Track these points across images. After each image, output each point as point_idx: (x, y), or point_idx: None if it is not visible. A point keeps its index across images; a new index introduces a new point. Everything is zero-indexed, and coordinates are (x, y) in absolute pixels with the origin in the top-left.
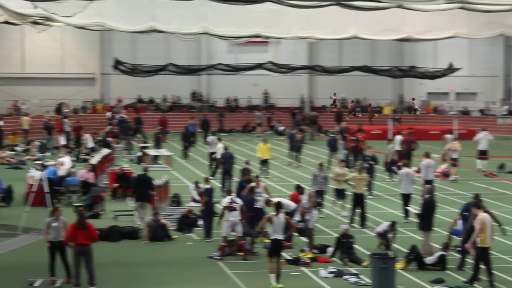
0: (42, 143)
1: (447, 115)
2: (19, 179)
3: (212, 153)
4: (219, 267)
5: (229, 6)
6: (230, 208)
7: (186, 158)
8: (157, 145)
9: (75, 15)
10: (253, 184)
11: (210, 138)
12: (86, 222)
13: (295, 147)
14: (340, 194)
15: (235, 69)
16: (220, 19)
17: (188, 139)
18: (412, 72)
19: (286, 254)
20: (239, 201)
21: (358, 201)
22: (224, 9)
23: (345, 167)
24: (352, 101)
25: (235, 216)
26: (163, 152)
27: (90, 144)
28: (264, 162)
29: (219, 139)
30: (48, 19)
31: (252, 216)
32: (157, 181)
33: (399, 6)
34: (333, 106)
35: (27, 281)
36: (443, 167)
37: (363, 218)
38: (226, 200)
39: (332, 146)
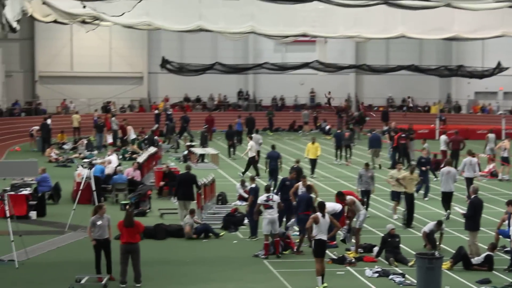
0: (89, 141)
1: (495, 115)
2: (66, 177)
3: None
4: (265, 265)
5: (276, 6)
6: (266, 206)
7: (231, 156)
8: (204, 144)
9: (123, 15)
10: (299, 183)
11: (254, 136)
12: (133, 220)
13: (344, 145)
14: (395, 196)
15: (282, 68)
16: (267, 18)
17: (232, 138)
18: (460, 72)
19: (331, 253)
20: (276, 198)
21: (408, 201)
22: (271, 8)
23: (393, 168)
24: (346, 100)
25: (272, 214)
26: (209, 150)
27: (132, 135)
28: (312, 162)
29: (251, 138)
30: (96, 18)
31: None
32: (203, 180)
33: (448, 5)
34: (327, 104)
35: (75, 278)
36: (490, 167)
37: (410, 218)
38: (262, 198)
39: (374, 144)
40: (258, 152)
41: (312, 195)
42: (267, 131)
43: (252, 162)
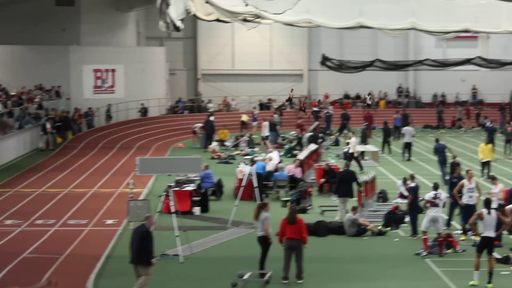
0: (250, 139)
1: None
2: (228, 173)
3: (407, 143)
4: (426, 264)
5: (437, 1)
6: (432, 203)
7: (390, 153)
8: (364, 141)
9: (284, 12)
10: (464, 180)
11: (405, 129)
12: (296, 217)
13: (507, 140)
14: None
15: (443, 64)
16: (428, 14)
17: (389, 134)
18: None
19: (495, 253)
20: (443, 197)
21: None
22: (432, 4)
23: None
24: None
25: (436, 212)
26: (369, 148)
27: (266, 132)
28: (485, 164)
29: (353, 133)
30: (258, 16)
31: None
32: (363, 177)
33: None
34: (288, 101)
35: (237, 273)
36: None
37: None
38: (429, 195)
39: None
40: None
41: (475, 194)
42: (440, 128)
43: (352, 158)
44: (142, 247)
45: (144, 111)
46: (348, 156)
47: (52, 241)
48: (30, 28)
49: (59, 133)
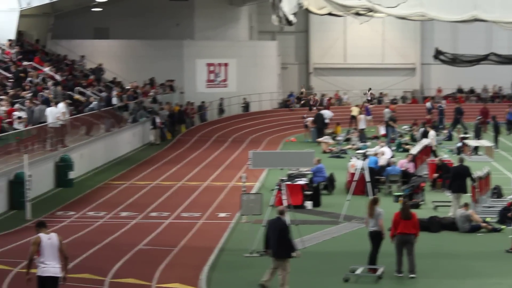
0: (362, 133)
1: None
2: (340, 167)
3: None
4: None
5: None
6: None
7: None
8: (477, 136)
9: (398, 6)
10: None
11: None
12: (410, 212)
13: None
14: None
15: None
16: None
17: (498, 129)
18: None
19: None
20: None
21: None
22: None
23: None
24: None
25: None
26: (483, 143)
27: (363, 125)
28: None
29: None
30: (370, 10)
31: None
32: (477, 172)
33: None
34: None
35: (349, 268)
36: None
37: None
38: None
39: None
40: None
41: None
42: None
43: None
44: (282, 240)
45: (246, 105)
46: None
47: (166, 233)
48: (144, 23)
49: (171, 127)
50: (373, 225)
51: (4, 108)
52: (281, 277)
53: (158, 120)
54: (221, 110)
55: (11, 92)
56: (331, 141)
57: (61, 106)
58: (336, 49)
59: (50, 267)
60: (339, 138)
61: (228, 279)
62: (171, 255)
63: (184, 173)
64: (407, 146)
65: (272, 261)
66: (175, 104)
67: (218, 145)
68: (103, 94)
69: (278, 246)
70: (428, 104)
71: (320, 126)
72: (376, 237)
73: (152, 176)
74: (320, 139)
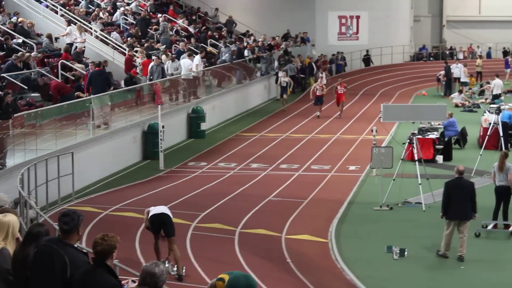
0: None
1: None
2: (473, 122)
3: None
4: None
5: None
6: None
7: None
8: None
9: None
10: None
11: None
12: None
13: None
14: None
15: None
16: None
17: None
18: None
19: None
20: None
21: None
22: None
23: None
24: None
25: None
26: None
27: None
28: None
29: None
30: None
31: None
32: None
33: None
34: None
35: (481, 223)
36: None
37: None
38: None
39: None
40: None
41: None
42: None
43: None
44: (469, 202)
45: (367, 59)
46: None
47: (296, 185)
48: None
49: (302, 79)
50: (501, 179)
51: (139, 60)
52: (462, 239)
53: (280, 74)
54: (366, 61)
55: (146, 44)
56: (459, 100)
57: (197, 58)
58: (471, 1)
59: None
60: (474, 89)
61: (357, 232)
62: (301, 207)
63: (314, 126)
64: None
65: (449, 224)
66: (306, 57)
67: (349, 98)
68: (233, 46)
69: (464, 208)
70: None
71: (450, 79)
72: (504, 193)
73: (282, 128)
74: (449, 96)
